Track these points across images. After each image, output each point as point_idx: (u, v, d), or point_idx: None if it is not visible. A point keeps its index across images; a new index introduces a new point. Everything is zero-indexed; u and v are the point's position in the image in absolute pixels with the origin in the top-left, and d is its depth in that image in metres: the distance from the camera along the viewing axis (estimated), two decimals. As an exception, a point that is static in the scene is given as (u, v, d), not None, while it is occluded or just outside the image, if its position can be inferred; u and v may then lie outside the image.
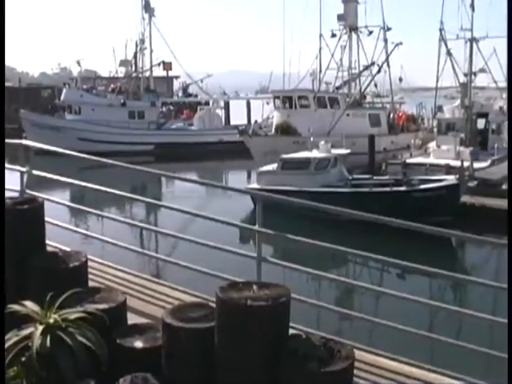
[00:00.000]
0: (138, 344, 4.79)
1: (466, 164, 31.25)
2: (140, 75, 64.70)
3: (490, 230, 24.83)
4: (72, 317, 4.45)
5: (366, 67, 50.81)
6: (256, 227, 6.52)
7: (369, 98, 53.60)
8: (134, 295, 6.39)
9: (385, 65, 49.49)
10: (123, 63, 67.25)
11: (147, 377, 4.36)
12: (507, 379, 4.25)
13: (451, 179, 27.67)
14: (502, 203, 28.49)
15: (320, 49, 51.24)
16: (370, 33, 50.89)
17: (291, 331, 4.80)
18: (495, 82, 48.21)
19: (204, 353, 4.57)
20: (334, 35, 50.99)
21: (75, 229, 9.46)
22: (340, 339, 4.95)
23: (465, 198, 28.29)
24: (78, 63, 63.17)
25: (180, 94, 74.54)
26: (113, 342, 4.72)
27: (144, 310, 6.02)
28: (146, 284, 6.95)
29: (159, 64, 65.92)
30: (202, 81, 70.46)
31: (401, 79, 59.10)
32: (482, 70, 46.15)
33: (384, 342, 7.35)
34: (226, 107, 67.76)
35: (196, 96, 73.08)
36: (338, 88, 51.23)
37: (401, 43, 48.57)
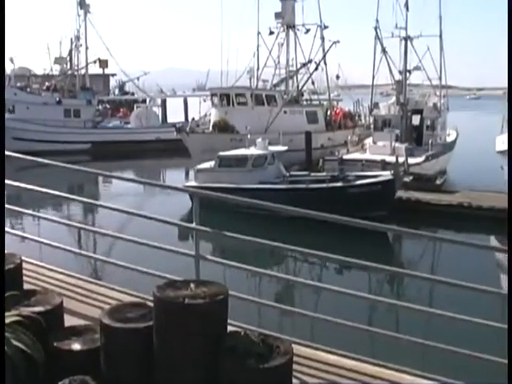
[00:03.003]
0: (76, 346, 4.73)
1: (401, 160, 31.87)
2: (75, 73, 63.65)
3: (425, 224, 25.47)
4: (7, 321, 4.36)
5: (304, 65, 51.25)
6: (193, 225, 6.51)
7: (306, 96, 54.01)
8: (71, 296, 6.29)
9: (322, 62, 50.02)
10: (58, 60, 66.03)
11: (86, 379, 4.30)
12: (507, 380, 4.34)
13: (386, 175, 28.13)
14: (436, 197, 29.20)
15: (258, 46, 51.54)
16: (308, 31, 51.36)
17: (230, 328, 4.82)
18: (429, 79, 49.18)
19: (143, 353, 4.55)
20: (271, 33, 51.29)
21: (9, 230, 9.26)
22: (279, 335, 4.99)
23: (400, 193, 28.80)
24: (11, 60, 61.65)
25: (116, 92, 73.82)
26: (50, 345, 4.65)
27: (81, 311, 5.93)
28: (83, 285, 6.85)
29: (95, 61, 65.02)
30: (138, 79, 69.75)
31: (338, 77, 59.65)
32: (417, 68, 46.99)
33: (323, 336, 7.43)
34: (163, 105, 67.32)
35: (133, 94, 72.42)
36: (275, 85, 51.53)
37: (338, 41, 49.16)
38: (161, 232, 10.72)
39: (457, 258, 19.08)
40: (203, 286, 4.67)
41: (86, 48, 63.22)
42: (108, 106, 68.08)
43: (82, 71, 64.19)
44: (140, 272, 7.07)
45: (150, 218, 7.34)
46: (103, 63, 66.79)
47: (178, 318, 4.35)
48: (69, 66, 64.86)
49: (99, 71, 69.40)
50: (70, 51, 64.40)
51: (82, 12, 62.05)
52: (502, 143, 34.92)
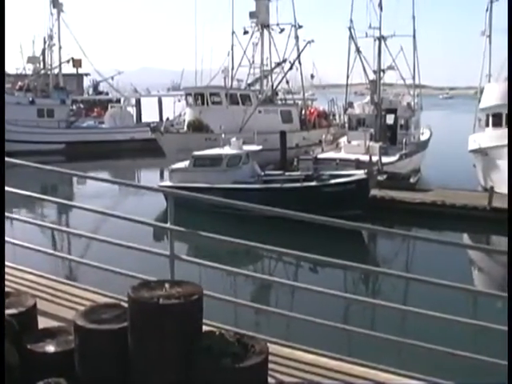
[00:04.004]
0: (50, 348, 4.68)
1: (374, 159, 32.06)
2: (49, 72, 63.10)
3: (399, 222, 25.64)
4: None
5: (278, 64, 51.30)
6: (168, 225, 6.48)
7: (280, 95, 54.11)
8: (45, 298, 6.24)
9: (296, 62, 50.13)
10: (31, 60, 65.48)
11: (60, 382, 4.27)
12: (507, 380, 4.37)
13: (360, 174, 28.24)
14: (410, 196, 29.42)
15: (232, 46, 51.46)
16: (282, 30, 51.42)
17: (205, 328, 4.81)
18: (403, 78, 49.62)
19: (117, 354, 4.52)
20: (246, 32, 51.25)
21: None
22: (254, 334, 4.99)
23: (375, 192, 28.95)
24: (-18, 60, 60.89)
25: (90, 92, 73.32)
26: (24, 347, 4.60)
27: (55, 312, 5.88)
28: (56, 286, 6.80)
29: (68, 61, 64.50)
30: (112, 78, 69.39)
31: (312, 76, 59.82)
32: (390, 68, 47.38)
33: (300, 335, 7.44)
34: (138, 105, 67.01)
35: (107, 94, 72.06)
36: (249, 85, 51.55)
37: (312, 41, 49.33)
38: (136, 232, 10.67)
39: (431, 256, 19.23)
40: (178, 286, 4.66)
41: (60, 47, 62.71)
42: (82, 106, 67.65)
43: (56, 71, 63.63)
44: (114, 272, 7.03)
45: (125, 219, 7.30)
46: (77, 63, 66.31)
47: (152, 318, 4.33)
48: (42, 66, 64.33)
49: (73, 71, 68.88)
50: (43, 50, 63.87)
51: (54, 11, 61.43)
52: (473, 142, 35.38)
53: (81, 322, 4.57)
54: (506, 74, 37.49)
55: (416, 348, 6.27)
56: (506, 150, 29.96)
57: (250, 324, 11.24)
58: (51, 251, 10.30)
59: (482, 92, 37.64)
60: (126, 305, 4.65)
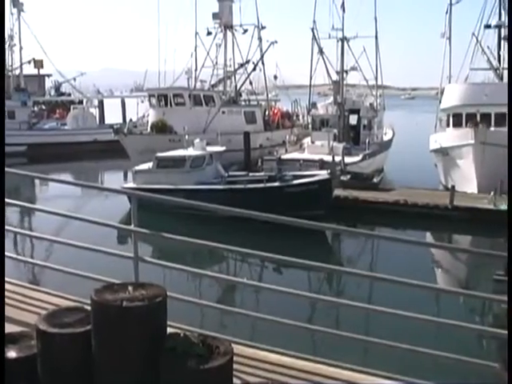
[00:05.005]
0: (12, 354, 4.61)
1: (337, 159, 32.28)
2: (9, 73, 62.32)
3: (363, 222, 25.85)
4: None
5: (241, 65, 51.40)
6: (132, 227, 6.45)
7: (244, 96, 54.17)
8: (6, 303, 6.14)
9: (260, 63, 50.26)
10: (-10, 60, 64.47)
11: (23, 387, 4.22)
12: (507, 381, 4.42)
13: (323, 174, 28.38)
14: (374, 195, 29.67)
15: (195, 47, 51.39)
16: (245, 31, 51.53)
17: (170, 330, 4.80)
18: (366, 79, 50.09)
19: (81, 357, 4.49)
20: (209, 33, 51.23)
21: None
22: (219, 335, 4.99)
23: (338, 192, 29.13)
24: None
25: (52, 93, 72.48)
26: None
27: (17, 317, 5.80)
28: (18, 290, 6.71)
29: (30, 61, 63.89)
30: (74, 79, 68.88)
31: (276, 77, 60.13)
32: (353, 68, 47.81)
33: (264, 335, 7.46)
34: (100, 106, 66.46)
35: (69, 95, 71.26)
36: (213, 86, 51.49)
37: (276, 42, 49.52)
38: (99, 234, 10.59)
39: (394, 255, 19.43)
40: (141, 288, 4.65)
41: (20, 48, 62.13)
42: (44, 108, 66.85)
43: (17, 71, 62.95)
44: (78, 275, 6.96)
45: (88, 221, 7.24)
46: (38, 63, 65.64)
47: (116, 321, 4.31)
48: (2, 67, 63.47)
49: (34, 72, 68.16)
50: (3, 51, 63.09)
51: (15, 11, 60.79)
52: (434, 142, 35.92)
53: (43, 327, 4.52)
54: (466, 74, 38.19)
55: (380, 346, 6.32)
56: (465, 150, 30.48)
57: (214, 325, 11.22)
58: (12, 255, 10.17)
59: (442, 93, 38.19)
60: (89, 308, 4.62)
